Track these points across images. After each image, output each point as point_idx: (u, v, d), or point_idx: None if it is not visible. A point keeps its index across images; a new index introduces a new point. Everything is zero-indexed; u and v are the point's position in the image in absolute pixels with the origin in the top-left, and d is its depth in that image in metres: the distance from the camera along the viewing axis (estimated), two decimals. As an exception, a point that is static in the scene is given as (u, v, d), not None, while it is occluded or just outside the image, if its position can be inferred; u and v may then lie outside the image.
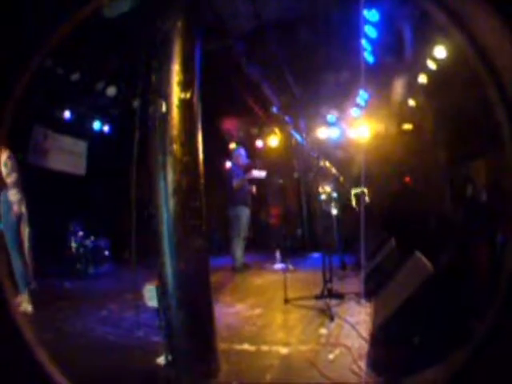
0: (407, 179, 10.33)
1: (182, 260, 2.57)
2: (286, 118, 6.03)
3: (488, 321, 2.16)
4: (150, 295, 2.75)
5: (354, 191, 7.29)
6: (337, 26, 6.67)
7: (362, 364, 3.31)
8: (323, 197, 5.90)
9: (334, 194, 6.04)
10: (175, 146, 2.57)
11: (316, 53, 7.87)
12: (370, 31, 6.89)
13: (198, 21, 2.92)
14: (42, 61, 2.27)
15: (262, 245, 11.32)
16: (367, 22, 6.74)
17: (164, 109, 2.61)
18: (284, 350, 3.78)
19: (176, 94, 2.64)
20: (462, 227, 6.34)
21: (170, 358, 2.85)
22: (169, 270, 2.56)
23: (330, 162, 6.11)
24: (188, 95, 2.66)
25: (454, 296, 3.26)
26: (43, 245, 5.59)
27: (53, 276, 7.50)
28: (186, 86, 2.67)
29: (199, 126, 2.74)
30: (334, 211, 6.21)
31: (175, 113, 2.61)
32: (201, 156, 2.73)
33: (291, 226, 12.06)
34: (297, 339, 4.11)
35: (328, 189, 5.91)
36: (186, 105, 2.64)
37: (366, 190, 6.65)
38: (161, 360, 3.01)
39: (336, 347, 3.75)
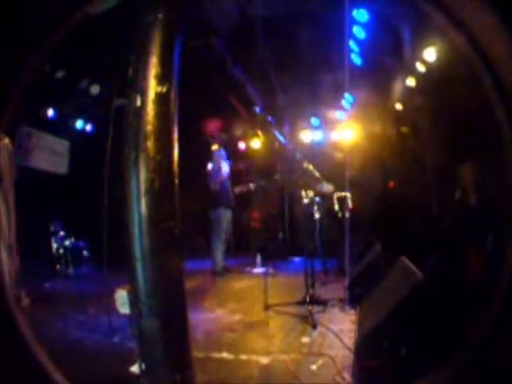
0: (391, 184, 10.27)
1: (155, 264, 2.41)
2: (269, 118, 5.90)
3: (484, 328, 2.05)
4: (121, 301, 2.59)
5: (336, 195, 7.21)
6: (324, 26, 6.57)
7: (347, 375, 3.20)
8: (306, 200, 5.80)
9: (317, 198, 5.94)
10: (149, 143, 2.40)
11: (301, 53, 7.80)
12: (359, 32, 6.78)
13: (180, 13, 2.77)
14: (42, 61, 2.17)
15: (242, 248, 11.23)
16: (356, 22, 6.64)
17: (139, 103, 2.45)
18: (264, 360, 3.64)
19: (152, 87, 2.47)
20: (451, 231, 6.28)
21: (143, 366, 2.69)
22: (140, 275, 2.40)
23: (314, 166, 6.04)
24: (165, 89, 2.50)
25: (444, 304, 3.16)
26: (23, 244, 5.46)
27: (33, 276, 7.38)
28: (163, 79, 2.50)
29: (175, 122, 2.58)
30: (317, 215, 6.12)
31: (150, 108, 2.44)
32: (176, 155, 2.57)
33: (273, 230, 11.99)
34: (278, 348, 3.97)
35: (311, 192, 5.81)
36: (162, 99, 2.48)
37: (348, 195, 6.56)
38: (134, 368, 2.85)
39: (319, 357, 3.61)
